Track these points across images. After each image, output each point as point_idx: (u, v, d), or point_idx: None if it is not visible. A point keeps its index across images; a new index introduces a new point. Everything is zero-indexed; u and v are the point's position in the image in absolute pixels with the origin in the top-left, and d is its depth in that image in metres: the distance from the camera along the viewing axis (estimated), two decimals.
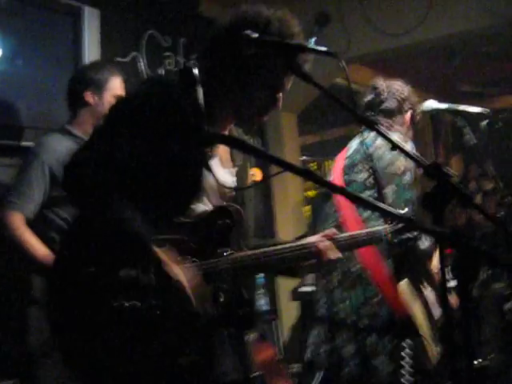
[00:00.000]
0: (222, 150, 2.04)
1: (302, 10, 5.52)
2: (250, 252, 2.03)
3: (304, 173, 1.37)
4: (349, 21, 5.41)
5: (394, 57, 6.04)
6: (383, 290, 2.87)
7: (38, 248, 2.88)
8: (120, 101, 2.03)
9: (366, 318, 2.88)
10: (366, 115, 1.50)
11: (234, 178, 2.11)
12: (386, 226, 2.46)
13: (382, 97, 3.13)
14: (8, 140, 3.44)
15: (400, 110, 3.13)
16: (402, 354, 2.83)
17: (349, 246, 2.29)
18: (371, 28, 5.32)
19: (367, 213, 2.90)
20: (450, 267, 2.12)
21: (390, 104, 3.12)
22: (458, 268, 1.38)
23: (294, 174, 1.38)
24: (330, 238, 2.19)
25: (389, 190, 2.89)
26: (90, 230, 1.81)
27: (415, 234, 2.71)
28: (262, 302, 4.56)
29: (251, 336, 4.10)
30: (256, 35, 1.64)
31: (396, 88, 3.16)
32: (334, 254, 2.16)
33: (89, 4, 3.98)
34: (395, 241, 2.77)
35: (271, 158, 1.38)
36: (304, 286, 4.80)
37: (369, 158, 2.98)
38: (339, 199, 3.02)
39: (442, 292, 1.39)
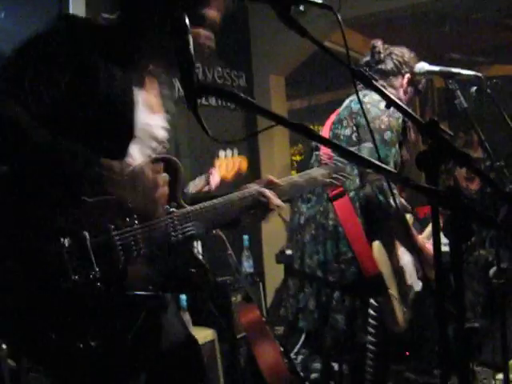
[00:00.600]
0: (150, 95, 1.96)
1: None
2: (192, 207, 1.94)
3: (295, 127, 1.33)
4: None
5: (383, 22, 5.97)
6: (355, 246, 2.89)
7: None
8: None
9: (334, 274, 2.92)
10: (361, 71, 1.45)
11: (166, 125, 2.02)
12: (324, 171, 2.50)
13: (379, 57, 3.14)
14: None
15: (395, 72, 3.13)
16: (370, 311, 2.86)
17: (290, 192, 2.30)
18: None
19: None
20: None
21: (387, 65, 3.13)
22: (450, 228, 1.36)
23: (286, 127, 1.34)
24: (271, 184, 2.19)
25: (365, 145, 2.89)
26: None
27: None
28: (247, 264, 4.57)
29: (237, 298, 4.11)
30: None
31: (395, 51, 3.18)
32: (277, 201, 2.15)
33: None
34: (361, 197, 2.86)
35: (262, 111, 1.34)
36: (289, 248, 4.80)
37: (354, 114, 3.01)
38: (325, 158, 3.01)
39: (435, 255, 1.37)
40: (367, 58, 3.20)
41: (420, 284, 3.09)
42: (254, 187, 2.16)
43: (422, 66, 3.02)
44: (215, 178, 3.10)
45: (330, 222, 2.98)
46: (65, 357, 1.61)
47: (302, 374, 4.34)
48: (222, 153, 3.47)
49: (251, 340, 3.78)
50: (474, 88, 3.03)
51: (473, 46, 8.14)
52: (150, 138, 1.93)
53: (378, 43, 3.19)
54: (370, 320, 2.85)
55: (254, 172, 5.26)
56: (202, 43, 1.93)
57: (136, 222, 1.75)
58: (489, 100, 2.97)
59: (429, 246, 2.99)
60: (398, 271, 2.99)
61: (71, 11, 3.82)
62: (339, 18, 1.46)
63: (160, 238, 1.82)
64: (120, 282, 1.70)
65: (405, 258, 3.04)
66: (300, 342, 4.55)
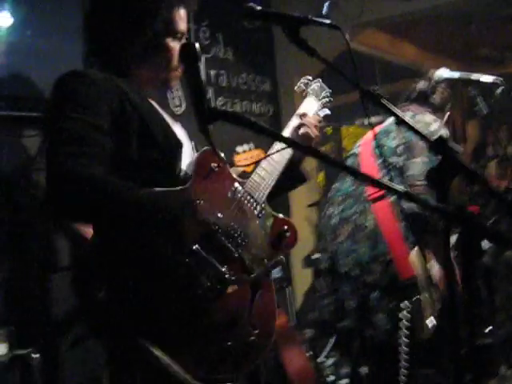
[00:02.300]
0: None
1: None
2: (255, 173, 2.02)
3: (305, 149, 1.36)
4: None
5: (410, 21, 5.94)
6: (393, 249, 2.92)
7: None
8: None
9: (372, 275, 2.95)
10: (369, 88, 1.47)
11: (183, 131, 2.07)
12: None
13: (431, 88, 3.21)
14: (30, 112, 3.43)
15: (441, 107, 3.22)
16: (400, 315, 2.87)
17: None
18: None
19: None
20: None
21: (435, 99, 3.20)
22: (462, 246, 1.37)
23: (296, 149, 1.37)
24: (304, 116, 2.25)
25: (418, 160, 2.92)
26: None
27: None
28: (275, 270, 4.58)
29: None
30: (260, 8, 1.62)
31: (443, 85, 3.21)
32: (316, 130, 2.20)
33: None
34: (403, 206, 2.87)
35: (274, 135, 1.37)
36: (317, 253, 4.81)
37: (405, 128, 3.01)
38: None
39: (447, 269, 1.38)
40: (421, 86, 3.26)
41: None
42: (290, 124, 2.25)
43: (441, 74, 3.02)
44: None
45: (369, 223, 3.01)
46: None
47: (331, 378, 4.38)
48: (239, 148, 3.52)
49: (279, 345, 3.82)
50: (500, 89, 3.02)
51: (502, 42, 8.04)
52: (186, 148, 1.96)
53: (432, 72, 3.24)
54: (405, 322, 2.87)
55: None
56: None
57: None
58: None
59: None
60: (432, 281, 2.99)
61: None
62: (347, 37, 1.48)
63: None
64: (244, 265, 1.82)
65: (433, 271, 3.03)
66: (330, 345, 4.57)
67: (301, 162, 2.22)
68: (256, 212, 1.95)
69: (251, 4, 1.62)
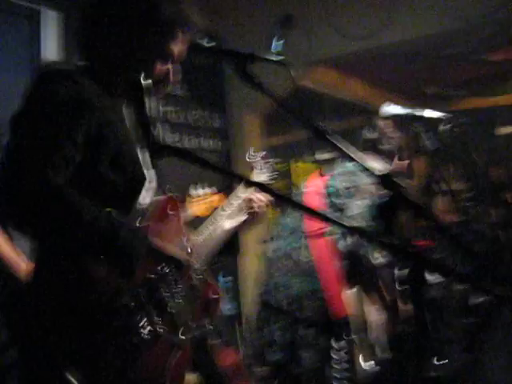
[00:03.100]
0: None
1: (266, 12, 5.56)
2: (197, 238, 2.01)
3: (254, 184, 1.36)
4: (312, 23, 5.44)
5: (358, 59, 6.06)
6: (328, 287, 2.95)
7: (4, 248, 2.83)
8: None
9: (305, 311, 2.97)
10: (315, 124, 1.48)
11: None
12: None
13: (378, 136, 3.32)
14: None
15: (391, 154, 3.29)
16: (331, 354, 2.89)
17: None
18: (334, 31, 5.34)
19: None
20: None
21: (384, 146, 3.29)
22: (407, 278, 1.39)
23: (247, 185, 1.37)
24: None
25: (359, 203, 2.92)
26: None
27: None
28: (229, 307, 4.54)
29: (215, 342, 4.09)
30: (210, 44, 1.64)
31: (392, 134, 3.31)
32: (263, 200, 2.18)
33: (49, 7, 3.92)
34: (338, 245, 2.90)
35: (222, 171, 1.37)
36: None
37: (350, 173, 3.08)
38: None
39: (391, 303, 1.39)
40: (371, 136, 3.36)
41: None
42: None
43: (387, 110, 3.07)
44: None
45: (307, 259, 3.03)
46: None
47: None
48: (193, 191, 3.34)
49: (231, 383, 3.76)
50: (448, 126, 3.08)
51: (447, 81, 8.27)
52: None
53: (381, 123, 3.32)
54: (334, 362, 2.88)
55: None
56: (173, 78, 1.90)
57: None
58: (462, 136, 3.04)
59: None
60: (367, 322, 3.00)
61: (45, 58, 3.86)
62: (291, 73, 1.50)
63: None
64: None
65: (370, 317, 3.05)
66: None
67: (240, 233, 2.25)
68: (194, 273, 1.92)
69: (202, 40, 1.63)
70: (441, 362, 3.77)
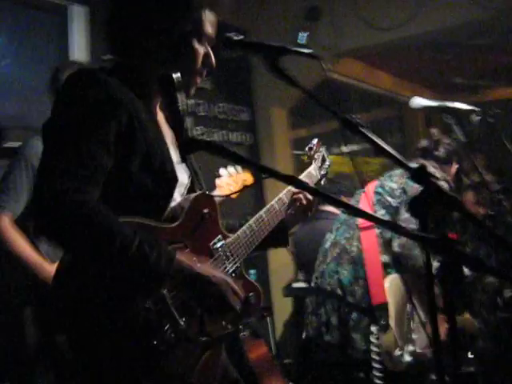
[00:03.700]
0: (163, 125, 1.86)
1: (293, 5, 5.54)
2: (241, 230, 1.95)
3: (285, 178, 1.35)
4: (339, 15, 5.42)
5: (385, 50, 6.01)
6: (370, 274, 3.11)
7: (28, 251, 2.86)
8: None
9: (352, 296, 3.13)
10: (347, 116, 1.47)
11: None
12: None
13: (434, 144, 3.50)
14: None
15: (446, 160, 3.48)
16: (371, 338, 3.02)
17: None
18: (362, 22, 5.32)
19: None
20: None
21: (439, 152, 3.48)
22: (443, 273, 1.37)
23: (275, 179, 1.36)
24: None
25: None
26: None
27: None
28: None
29: (245, 334, 4.10)
30: (240, 37, 1.63)
31: (446, 140, 3.49)
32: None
33: (76, 2, 3.95)
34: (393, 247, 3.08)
35: (252, 164, 1.36)
36: (296, 282, 4.79)
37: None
38: None
39: (430, 300, 1.37)
40: (425, 144, 3.53)
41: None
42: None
43: (419, 102, 3.04)
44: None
45: (354, 249, 3.23)
46: None
47: None
48: (222, 171, 3.21)
49: (259, 375, 3.77)
50: (476, 118, 3.05)
51: (475, 71, 8.16)
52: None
53: (434, 131, 3.51)
54: (373, 346, 2.99)
55: (257, 186, 5.20)
56: (209, 63, 1.87)
57: None
58: (493, 128, 3.01)
59: None
60: (407, 311, 3.07)
61: (75, 55, 3.88)
62: (323, 66, 1.48)
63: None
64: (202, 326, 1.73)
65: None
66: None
67: (290, 227, 2.26)
68: (230, 271, 1.88)
69: (230, 34, 1.62)
70: (470, 357, 3.76)
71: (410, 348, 3.01)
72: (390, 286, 3.05)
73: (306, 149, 2.55)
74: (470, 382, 3.71)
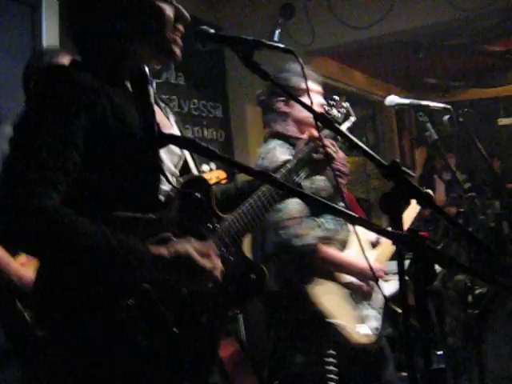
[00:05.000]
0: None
1: (267, 2, 5.53)
2: (237, 211, 1.86)
3: (258, 174, 1.34)
4: (314, 13, 5.42)
5: (359, 49, 6.04)
6: None
7: None
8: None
9: None
10: (324, 114, 1.47)
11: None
12: None
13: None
14: None
15: None
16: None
17: None
18: (336, 21, 5.33)
19: None
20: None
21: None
22: (414, 271, 1.37)
23: (249, 175, 1.35)
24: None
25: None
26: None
27: None
28: None
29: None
30: (212, 31, 1.62)
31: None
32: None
33: None
34: None
35: (223, 159, 1.35)
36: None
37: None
38: None
39: (402, 297, 1.37)
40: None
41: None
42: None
43: (392, 100, 3.05)
44: None
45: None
46: None
47: None
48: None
49: (231, 374, 3.77)
50: (447, 117, 3.08)
51: (447, 71, 8.25)
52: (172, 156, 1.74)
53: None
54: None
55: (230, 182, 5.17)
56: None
57: None
58: (462, 127, 3.04)
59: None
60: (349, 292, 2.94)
61: (45, 46, 3.82)
62: (300, 61, 1.48)
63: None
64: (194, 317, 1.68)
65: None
66: None
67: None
68: (226, 255, 1.80)
69: (205, 27, 1.61)
70: (439, 353, 3.78)
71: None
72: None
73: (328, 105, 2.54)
74: (441, 378, 3.74)
